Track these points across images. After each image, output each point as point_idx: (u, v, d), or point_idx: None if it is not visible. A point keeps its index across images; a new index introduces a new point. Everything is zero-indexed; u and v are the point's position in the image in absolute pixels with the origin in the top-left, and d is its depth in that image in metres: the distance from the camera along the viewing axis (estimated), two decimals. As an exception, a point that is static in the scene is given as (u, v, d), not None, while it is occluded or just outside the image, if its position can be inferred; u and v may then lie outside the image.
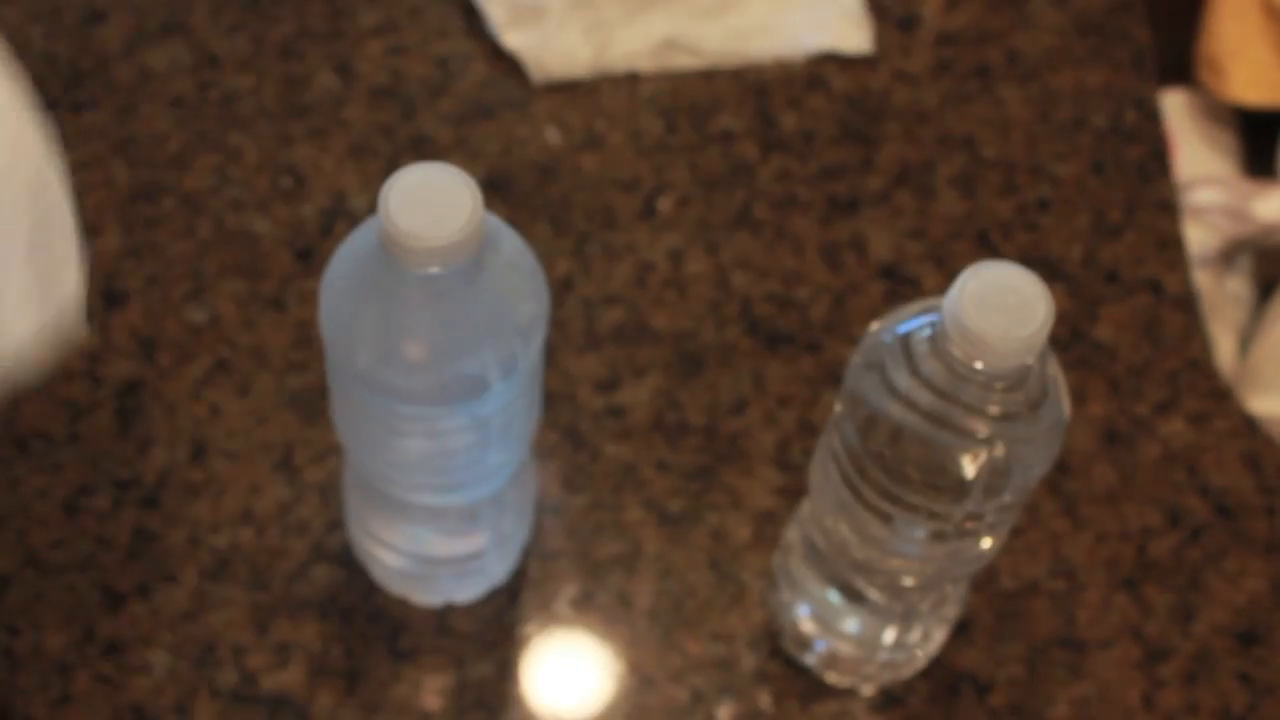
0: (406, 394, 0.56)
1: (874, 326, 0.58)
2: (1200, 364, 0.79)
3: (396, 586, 0.71)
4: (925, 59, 0.86)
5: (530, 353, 0.57)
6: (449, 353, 0.55)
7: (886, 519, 0.59)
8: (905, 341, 0.56)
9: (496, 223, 0.55)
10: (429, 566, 0.69)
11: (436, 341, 0.55)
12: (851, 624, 0.68)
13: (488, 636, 0.71)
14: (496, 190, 0.81)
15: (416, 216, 0.51)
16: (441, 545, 0.68)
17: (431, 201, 0.51)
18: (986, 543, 0.61)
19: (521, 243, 0.57)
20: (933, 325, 0.54)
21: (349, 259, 0.56)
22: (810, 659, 0.70)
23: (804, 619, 0.70)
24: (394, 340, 0.55)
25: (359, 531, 0.69)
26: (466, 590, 0.71)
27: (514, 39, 0.84)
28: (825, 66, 0.85)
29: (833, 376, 0.77)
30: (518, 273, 0.56)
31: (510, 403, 0.58)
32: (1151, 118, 0.85)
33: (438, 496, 0.64)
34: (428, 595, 0.71)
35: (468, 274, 0.53)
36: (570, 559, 0.73)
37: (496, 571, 0.71)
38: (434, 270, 0.52)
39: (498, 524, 0.68)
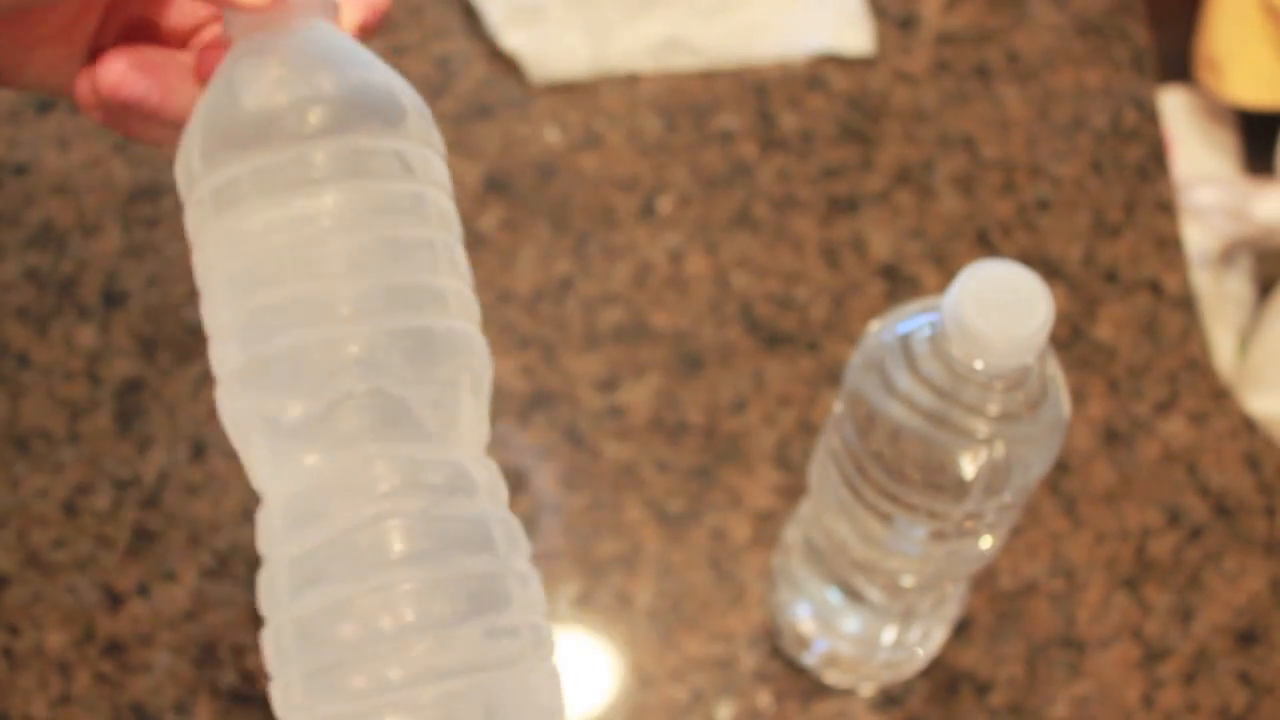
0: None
1: (874, 326, 0.58)
2: (1200, 364, 0.79)
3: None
4: (925, 59, 0.86)
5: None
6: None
7: (886, 519, 0.59)
8: (905, 341, 0.56)
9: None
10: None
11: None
12: (851, 624, 0.68)
13: (488, 636, 0.71)
14: (496, 190, 0.81)
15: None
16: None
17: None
18: (986, 542, 0.61)
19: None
20: (933, 325, 0.55)
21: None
22: (810, 659, 0.70)
23: (804, 619, 0.70)
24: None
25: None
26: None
27: (514, 39, 0.84)
28: (825, 66, 0.85)
29: (833, 376, 0.77)
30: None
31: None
32: (1151, 118, 0.85)
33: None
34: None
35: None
36: (570, 559, 0.73)
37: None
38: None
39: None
